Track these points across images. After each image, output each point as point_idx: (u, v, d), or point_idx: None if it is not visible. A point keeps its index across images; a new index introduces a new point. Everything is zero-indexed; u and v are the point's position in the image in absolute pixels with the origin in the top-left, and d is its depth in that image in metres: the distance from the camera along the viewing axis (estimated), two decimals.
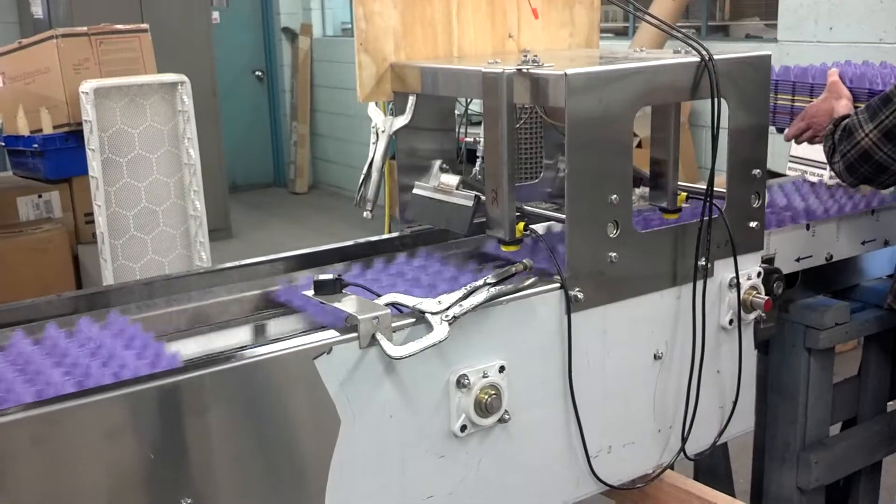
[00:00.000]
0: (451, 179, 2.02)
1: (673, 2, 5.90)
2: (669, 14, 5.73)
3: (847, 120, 2.22)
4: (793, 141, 2.62)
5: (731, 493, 2.71)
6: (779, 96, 2.74)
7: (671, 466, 2.02)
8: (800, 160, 3.70)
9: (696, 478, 2.62)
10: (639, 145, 4.41)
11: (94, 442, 1.32)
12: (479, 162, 2.16)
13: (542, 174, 2.36)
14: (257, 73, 10.18)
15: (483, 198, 1.89)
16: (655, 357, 1.92)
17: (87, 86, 4.08)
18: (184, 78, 4.29)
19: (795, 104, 2.68)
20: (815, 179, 3.12)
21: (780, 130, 2.69)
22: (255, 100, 10.23)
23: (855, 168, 2.20)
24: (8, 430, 1.25)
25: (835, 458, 2.58)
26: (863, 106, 2.23)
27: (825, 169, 3.39)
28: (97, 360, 1.50)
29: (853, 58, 5.02)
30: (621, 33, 7.13)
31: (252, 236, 8.22)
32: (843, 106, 2.37)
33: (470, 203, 1.93)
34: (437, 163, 2.15)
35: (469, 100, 2.35)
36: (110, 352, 1.54)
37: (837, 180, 2.48)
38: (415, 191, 2.10)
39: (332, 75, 9.62)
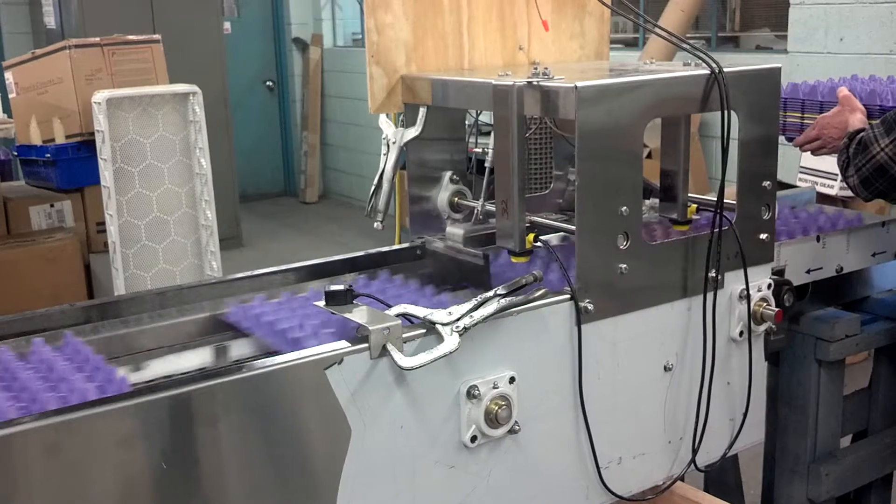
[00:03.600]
0: (457, 231, 2.07)
1: (682, 13, 5.91)
2: (679, 25, 5.73)
3: (862, 134, 2.22)
4: (802, 153, 2.62)
5: None
6: (788, 114, 2.74)
7: (681, 478, 2.01)
8: (810, 171, 3.71)
9: (705, 489, 2.62)
10: (649, 156, 4.41)
11: (107, 451, 1.32)
12: (486, 175, 2.16)
13: (551, 185, 2.37)
14: (268, 83, 10.21)
15: (490, 256, 1.96)
16: (665, 368, 1.92)
17: (100, 96, 4.11)
18: (195, 88, 4.31)
19: (805, 121, 2.68)
20: (825, 191, 3.13)
21: (791, 139, 2.69)
22: (266, 110, 10.27)
23: (870, 182, 2.20)
24: (21, 439, 1.26)
25: (845, 470, 2.57)
26: (877, 120, 2.23)
27: (836, 180, 3.40)
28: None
29: (864, 69, 5.02)
30: (631, 44, 7.14)
31: (262, 246, 8.24)
32: (858, 120, 2.37)
33: (481, 262, 1.97)
34: (448, 174, 2.16)
35: (479, 111, 2.36)
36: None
37: (848, 192, 2.48)
38: (428, 246, 2.14)
39: (342, 85, 9.65)
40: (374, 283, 1.98)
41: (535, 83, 1.76)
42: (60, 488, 1.30)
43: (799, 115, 2.76)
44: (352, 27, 10.06)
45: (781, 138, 2.29)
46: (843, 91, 2.49)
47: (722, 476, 2.74)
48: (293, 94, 10.22)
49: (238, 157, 8.36)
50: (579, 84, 1.69)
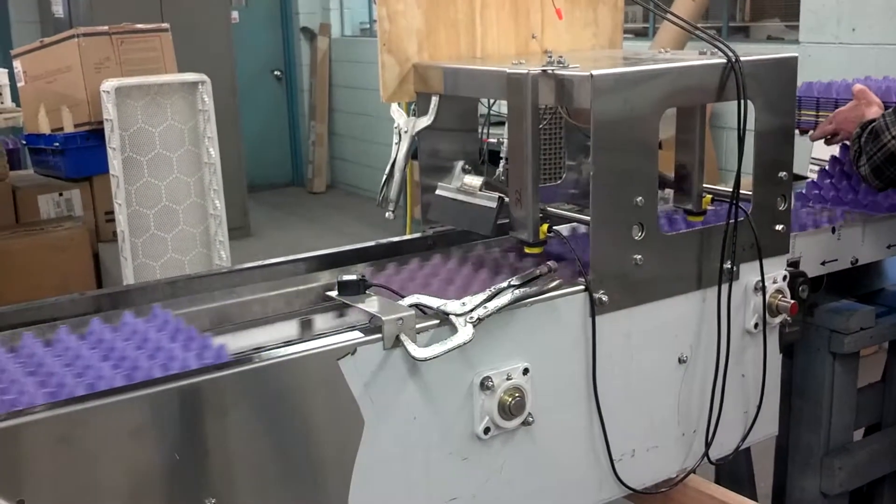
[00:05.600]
0: (475, 180, 2.01)
1: (693, 3, 5.86)
2: (690, 15, 5.69)
3: (874, 123, 2.20)
4: (814, 143, 2.60)
5: (754, 498, 2.69)
6: (803, 112, 2.72)
7: (694, 471, 2.00)
8: (821, 162, 3.68)
9: (717, 481, 2.60)
10: (660, 146, 4.36)
11: (119, 442, 1.32)
12: (502, 163, 2.16)
13: (564, 175, 2.35)
14: (276, 72, 10.20)
15: (507, 199, 1.88)
16: (680, 361, 1.90)
17: (108, 85, 4.10)
18: (204, 77, 4.30)
19: (820, 120, 2.66)
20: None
21: (805, 132, 2.67)
22: (274, 99, 10.25)
23: (881, 171, 2.18)
24: (33, 430, 1.25)
25: (859, 463, 2.55)
26: (890, 109, 2.20)
27: None
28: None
29: (876, 59, 4.98)
30: (641, 34, 7.10)
31: (270, 235, 8.24)
32: (874, 112, 2.35)
33: (493, 204, 1.92)
34: (460, 163, 2.14)
35: (492, 101, 2.34)
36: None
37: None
38: (437, 192, 2.09)
39: (350, 75, 9.63)
40: (384, 273, 1.96)
41: (550, 72, 1.74)
42: (72, 478, 1.29)
43: (814, 113, 2.74)
44: (360, 16, 10.04)
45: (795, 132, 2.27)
46: (859, 85, 2.47)
47: (734, 468, 2.72)
48: (301, 83, 10.20)
49: (246, 146, 8.35)
50: (595, 72, 1.67)
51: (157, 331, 1.63)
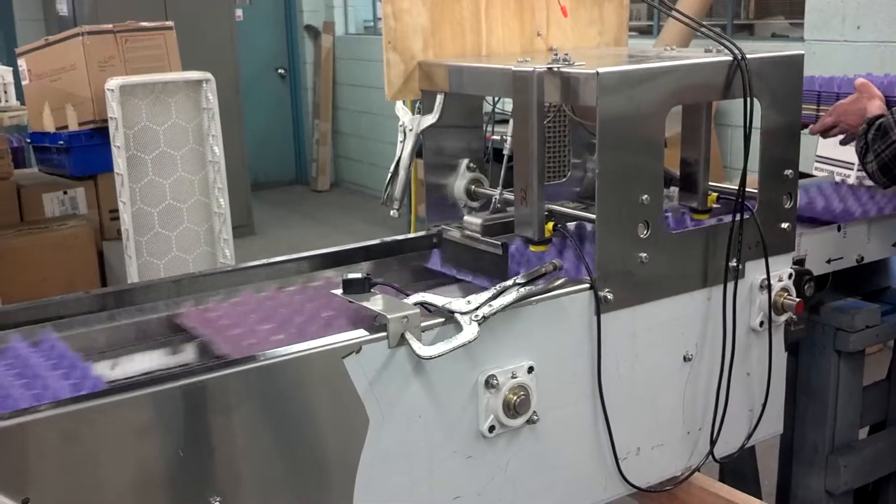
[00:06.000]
0: (475, 221, 2.03)
1: (698, 0, 5.86)
2: (694, 12, 5.68)
3: (882, 119, 2.19)
4: (819, 141, 2.59)
5: (759, 496, 2.68)
6: (804, 106, 2.71)
7: (699, 469, 2.00)
8: (826, 160, 3.67)
9: (721, 479, 2.60)
10: (664, 144, 4.35)
11: (124, 439, 1.32)
12: (504, 163, 2.14)
13: (569, 173, 2.35)
14: (280, 70, 10.20)
15: (510, 246, 1.93)
16: (685, 359, 1.90)
17: (113, 83, 4.10)
18: (208, 76, 4.30)
19: (820, 114, 2.65)
20: (841, 179, 3.09)
21: (805, 126, 2.66)
22: (278, 97, 10.25)
23: (889, 168, 2.17)
24: (38, 428, 1.25)
25: (864, 461, 2.55)
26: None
27: (852, 169, 3.36)
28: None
29: (881, 57, 4.97)
30: (645, 32, 7.09)
31: (274, 233, 8.24)
32: (877, 106, 2.34)
33: (499, 252, 1.94)
34: (464, 161, 2.15)
35: (497, 98, 2.34)
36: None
37: (866, 180, 2.45)
38: (444, 235, 2.11)
39: (354, 73, 9.62)
40: (389, 271, 1.96)
41: (555, 69, 1.74)
42: (77, 476, 1.29)
43: (815, 107, 2.73)
44: (364, 14, 10.03)
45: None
46: (861, 79, 2.46)
47: (738, 466, 2.72)
48: (305, 81, 10.20)
49: (250, 144, 8.35)
50: (601, 70, 1.67)
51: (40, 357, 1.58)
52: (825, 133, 2.52)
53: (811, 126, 2.59)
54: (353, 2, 9.98)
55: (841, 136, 2.48)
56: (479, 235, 2.02)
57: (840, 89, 2.66)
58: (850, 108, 2.42)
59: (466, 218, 2.07)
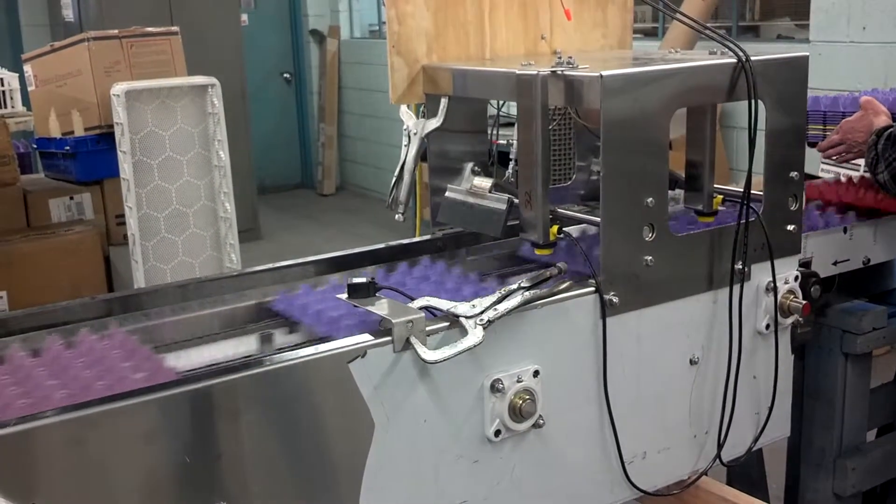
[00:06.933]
0: (484, 182, 2.01)
1: (703, 2, 5.85)
2: (699, 14, 5.67)
3: (891, 129, 2.19)
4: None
5: (766, 499, 2.68)
6: (810, 126, 2.72)
7: (706, 472, 1.99)
8: (832, 162, 3.66)
9: (729, 483, 2.59)
10: (669, 146, 4.34)
11: (131, 445, 1.32)
12: (511, 164, 2.15)
13: (574, 176, 2.35)
14: (285, 75, 10.21)
15: (516, 200, 1.88)
16: (691, 362, 1.89)
17: (119, 88, 4.11)
18: (214, 81, 4.31)
19: (827, 134, 2.66)
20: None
21: (812, 145, 2.67)
22: (283, 102, 10.27)
23: None
24: (46, 433, 1.25)
25: (872, 464, 2.54)
26: None
27: (858, 171, 3.35)
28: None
29: (887, 58, 4.95)
30: (650, 34, 7.09)
31: (280, 237, 8.25)
32: (883, 121, 2.35)
33: (503, 206, 1.92)
34: (469, 165, 2.14)
35: (502, 102, 2.34)
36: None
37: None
38: (447, 194, 2.08)
39: (359, 77, 9.63)
40: (394, 275, 1.96)
41: (559, 72, 1.73)
42: (85, 481, 1.29)
43: (821, 127, 2.74)
44: (368, 18, 10.04)
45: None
46: (866, 97, 2.48)
47: (746, 470, 2.71)
48: (310, 85, 10.21)
49: (255, 149, 8.36)
50: (604, 73, 1.67)
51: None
52: (830, 151, 2.53)
53: (819, 144, 2.60)
54: (357, 6, 9.99)
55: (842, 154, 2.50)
56: (485, 193, 1.99)
57: (845, 108, 2.67)
58: (857, 124, 2.44)
59: (476, 180, 2.05)
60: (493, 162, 2.23)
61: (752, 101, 1.82)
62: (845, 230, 2.31)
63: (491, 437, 1.63)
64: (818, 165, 3.76)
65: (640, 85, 1.72)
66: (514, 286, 1.64)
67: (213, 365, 1.70)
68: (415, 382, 1.55)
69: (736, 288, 1.90)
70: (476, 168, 2.14)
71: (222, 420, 1.39)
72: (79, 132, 4.70)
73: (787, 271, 2.01)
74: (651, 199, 1.75)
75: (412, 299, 1.65)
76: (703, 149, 2.04)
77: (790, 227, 1.99)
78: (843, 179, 2.81)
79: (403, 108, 2.10)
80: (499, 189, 1.98)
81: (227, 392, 1.39)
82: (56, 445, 1.26)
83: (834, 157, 2.56)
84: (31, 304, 1.80)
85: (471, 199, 2.02)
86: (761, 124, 1.86)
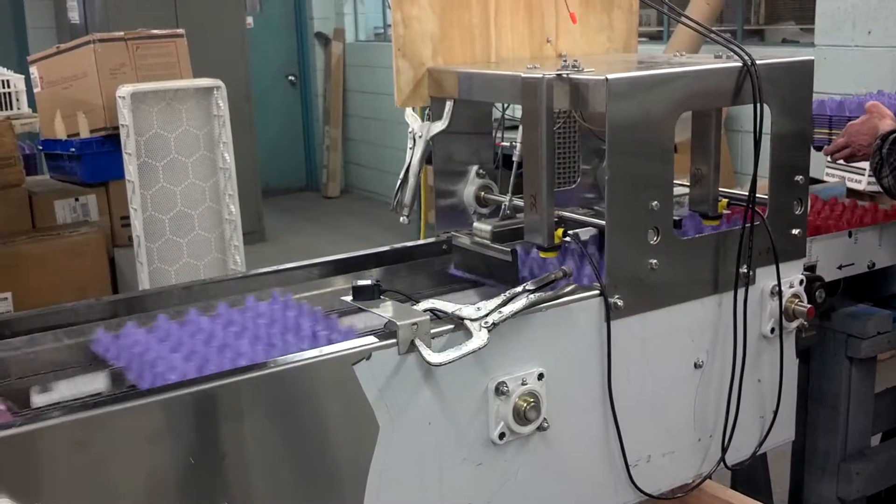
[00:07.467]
0: (484, 228, 2.04)
1: (708, 6, 5.86)
2: (704, 18, 5.68)
3: (895, 134, 2.19)
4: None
5: (770, 503, 2.68)
6: (816, 130, 2.72)
7: (710, 476, 1.99)
8: (837, 166, 3.66)
9: (733, 487, 2.59)
10: (674, 150, 4.33)
11: (135, 446, 1.32)
12: (513, 171, 2.14)
13: (579, 180, 2.35)
14: (290, 77, 10.22)
15: (519, 251, 1.93)
16: (696, 366, 1.89)
17: (124, 90, 4.11)
18: (219, 83, 4.32)
19: (832, 138, 2.66)
20: (853, 185, 3.08)
21: (819, 148, 2.68)
22: (288, 104, 10.28)
23: None
24: (50, 435, 1.25)
25: (876, 469, 2.54)
26: None
27: (863, 175, 3.35)
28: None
29: (893, 62, 4.94)
30: (656, 37, 7.08)
31: (285, 240, 8.25)
32: (888, 125, 2.35)
33: (509, 258, 1.94)
34: (474, 168, 2.15)
35: (507, 105, 2.34)
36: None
37: (876, 187, 2.45)
38: (454, 242, 2.11)
39: (364, 80, 9.64)
40: (399, 278, 1.96)
41: (564, 76, 1.74)
42: (89, 482, 1.29)
43: (827, 130, 2.74)
44: (374, 21, 10.05)
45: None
46: (871, 101, 2.48)
47: (750, 474, 2.71)
48: (315, 88, 10.22)
49: (260, 151, 8.37)
50: (610, 76, 1.67)
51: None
52: (836, 154, 2.53)
53: (825, 148, 2.61)
54: (363, 9, 10.00)
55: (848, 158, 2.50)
56: (488, 242, 2.02)
57: (851, 112, 2.67)
58: (861, 128, 2.44)
59: (476, 224, 2.07)
60: (498, 165, 2.23)
61: (758, 105, 1.82)
62: (850, 234, 2.31)
63: (495, 440, 1.63)
64: (823, 169, 3.75)
65: (646, 88, 1.72)
66: (519, 289, 1.64)
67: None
68: (419, 385, 1.55)
69: (741, 292, 1.90)
70: (480, 171, 2.15)
71: (226, 422, 1.39)
72: (84, 134, 4.72)
73: (792, 275, 2.01)
74: (656, 202, 1.75)
75: (417, 302, 1.65)
76: (709, 152, 2.03)
77: (795, 231, 1.99)
78: (848, 184, 2.82)
79: (408, 110, 2.11)
80: (497, 237, 2.01)
81: (231, 394, 1.39)
82: (61, 446, 1.26)
83: (839, 160, 2.57)
84: (36, 306, 1.81)
85: (478, 249, 2.04)
86: (767, 128, 1.86)
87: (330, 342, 1.56)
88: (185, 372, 1.51)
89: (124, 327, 1.73)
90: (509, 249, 1.96)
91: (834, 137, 2.63)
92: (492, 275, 2.01)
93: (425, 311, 1.59)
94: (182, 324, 1.75)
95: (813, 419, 2.52)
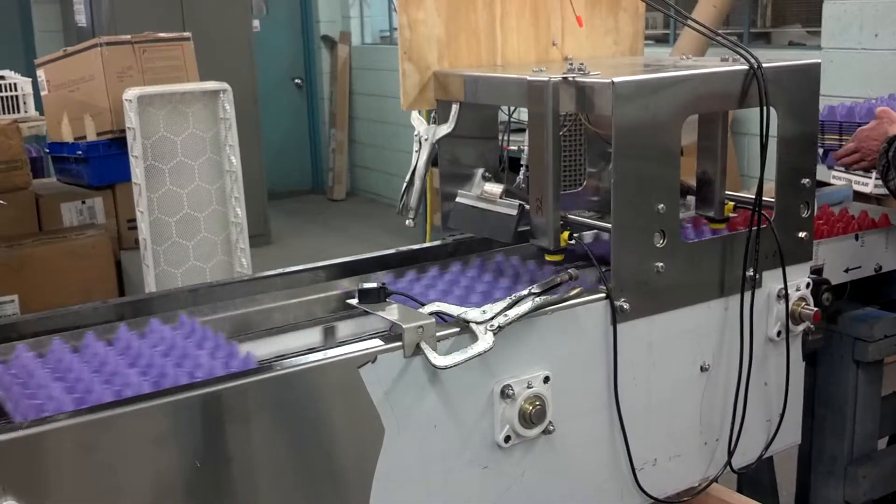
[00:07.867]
0: (495, 188, 2.01)
1: (714, 8, 5.85)
2: (711, 21, 5.67)
3: None
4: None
5: None
6: (826, 136, 2.72)
7: (717, 479, 1.99)
8: (842, 170, 3.65)
9: (739, 490, 2.59)
10: (680, 153, 4.33)
11: (142, 449, 1.32)
12: (522, 170, 2.15)
13: (585, 183, 2.34)
14: (296, 80, 10.23)
15: (527, 206, 1.88)
16: (702, 369, 1.89)
17: (131, 93, 4.12)
18: (226, 86, 4.32)
19: (843, 144, 2.66)
20: (859, 188, 3.07)
21: (826, 155, 2.68)
22: (295, 107, 10.29)
23: None
24: (57, 437, 1.26)
25: (883, 472, 2.53)
26: None
27: (870, 178, 3.34)
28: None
29: None
30: (662, 40, 7.08)
31: (291, 243, 8.26)
32: None
33: (514, 212, 1.92)
34: (480, 171, 2.14)
35: (513, 108, 2.34)
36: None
37: (883, 189, 2.44)
38: (458, 199, 2.09)
39: (370, 83, 9.65)
40: (403, 281, 1.96)
41: (570, 79, 1.74)
42: (95, 485, 1.29)
43: (837, 136, 2.74)
44: (380, 24, 10.06)
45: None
46: (881, 107, 2.48)
47: (756, 477, 2.70)
48: (321, 91, 10.23)
49: (266, 154, 8.38)
50: (616, 79, 1.67)
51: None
52: (845, 159, 2.53)
53: (834, 153, 2.61)
54: (369, 12, 10.01)
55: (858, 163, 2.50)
56: (496, 199, 1.99)
57: (861, 118, 2.67)
58: (871, 133, 2.44)
59: (486, 185, 2.05)
60: (504, 168, 2.23)
61: (764, 108, 1.81)
62: (857, 237, 2.30)
63: (501, 443, 1.63)
64: (829, 172, 3.75)
65: (652, 91, 1.72)
66: (525, 292, 1.64)
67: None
68: (425, 388, 1.55)
69: (747, 295, 1.90)
70: (487, 174, 2.15)
71: (233, 424, 1.39)
72: (91, 137, 4.72)
73: (799, 278, 2.00)
74: (662, 205, 1.75)
75: (422, 305, 1.65)
76: (715, 155, 2.03)
77: (802, 234, 1.98)
78: (855, 187, 2.81)
79: (414, 113, 2.11)
80: (509, 195, 1.98)
81: (237, 396, 1.39)
82: (67, 449, 1.26)
83: (849, 166, 2.56)
84: (43, 308, 1.81)
85: (481, 205, 2.02)
86: (773, 131, 1.86)
87: (227, 369, 1.48)
88: (61, 405, 1.38)
89: (15, 350, 1.62)
90: (517, 203, 1.94)
91: (844, 143, 2.62)
92: (490, 230, 1.99)
93: (431, 313, 1.59)
94: (76, 349, 1.64)
95: (819, 423, 2.51)
